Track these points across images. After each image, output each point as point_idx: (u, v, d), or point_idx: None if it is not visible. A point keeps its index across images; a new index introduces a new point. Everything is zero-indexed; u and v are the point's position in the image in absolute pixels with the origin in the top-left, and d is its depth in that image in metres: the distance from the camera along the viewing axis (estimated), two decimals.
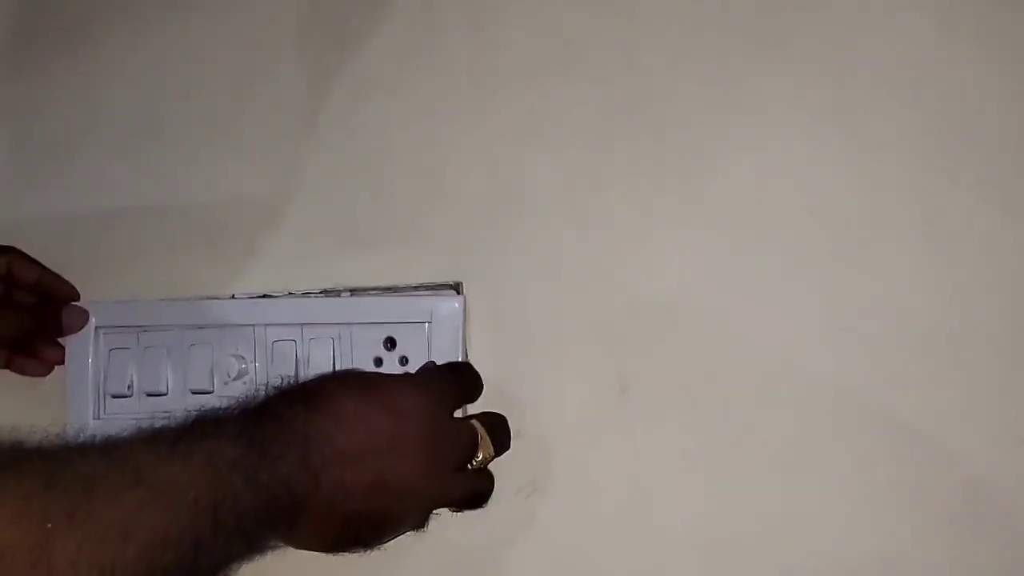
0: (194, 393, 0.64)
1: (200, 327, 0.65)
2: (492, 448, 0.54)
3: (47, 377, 0.66)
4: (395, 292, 0.64)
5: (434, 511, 0.52)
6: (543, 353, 0.62)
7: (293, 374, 0.62)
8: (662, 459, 0.60)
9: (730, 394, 0.59)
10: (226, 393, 0.64)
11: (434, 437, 0.50)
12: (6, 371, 0.65)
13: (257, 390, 0.48)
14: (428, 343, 0.62)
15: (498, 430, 0.55)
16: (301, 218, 0.66)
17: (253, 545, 0.43)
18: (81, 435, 0.42)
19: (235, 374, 0.63)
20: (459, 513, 0.55)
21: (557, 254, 0.62)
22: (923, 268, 0.58)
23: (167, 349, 0.65)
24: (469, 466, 0.53)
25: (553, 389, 0.61)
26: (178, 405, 0.64)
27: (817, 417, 0.58)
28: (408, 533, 0.51)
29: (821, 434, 0.58)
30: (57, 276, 0.65)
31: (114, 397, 0.65)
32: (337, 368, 0.63)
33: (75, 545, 0.36)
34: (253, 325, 0.64)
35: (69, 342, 0.66)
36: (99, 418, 0.66)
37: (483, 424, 0.54)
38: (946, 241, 0.58)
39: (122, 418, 0.65)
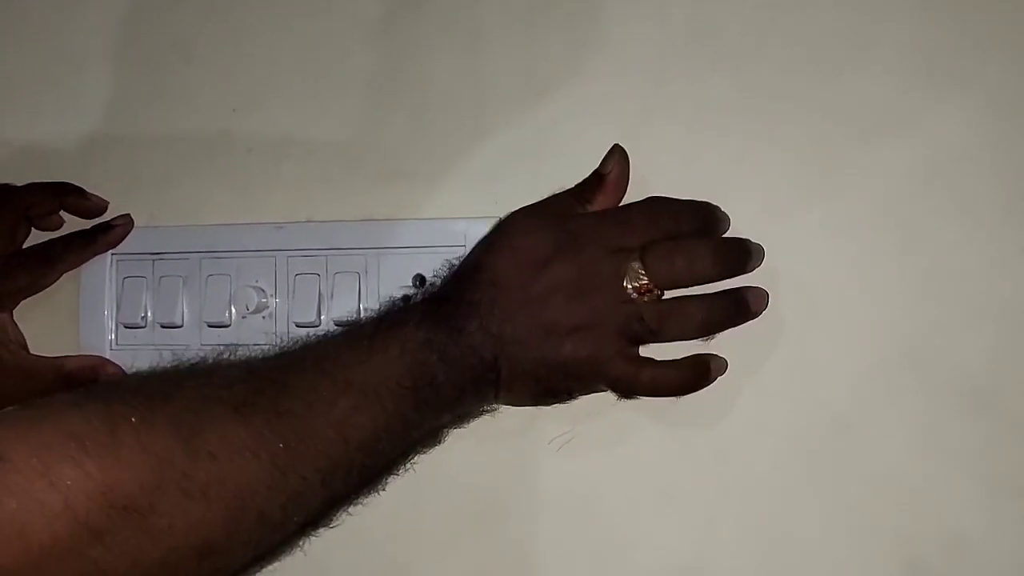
0: (210, 326, 0.61)
1: (218, 256, 0.61)
2: (647, 277, 0.50)
3: (61, 305, 0.63)
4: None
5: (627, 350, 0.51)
6: None
7: (316, 313, 0.59)
8: (711, 418, 0.55)
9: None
10: (244, 327, 0.60)
11: (582, 266, 0.50)
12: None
13: (434, 278, 0.54)
14: None
15: (659, 256, 0.50)
16: (331, 146, 0.61)
17: (457, 412, 0.51)
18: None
19: (254, 307, 0.59)
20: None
21: None
22: None
23: (183, 279, 0.61)
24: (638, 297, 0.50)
25: None
26: (193, 338, 0.61)
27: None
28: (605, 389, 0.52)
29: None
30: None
31: (127, 327, 0.62)
32: (362, 304, 0.59)
33: (303, 462, 0.43)
34: (274, 254, 0.60)
35: (84, 270, 0.63)
36: (113, 349, 0.62)
37: (644, 252, 0.50)
38: None
39: (136, 349, 0.62)
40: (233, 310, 0.60)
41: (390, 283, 0.58)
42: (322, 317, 0.59)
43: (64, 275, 0.63)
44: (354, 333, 0.49)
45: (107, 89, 0.66)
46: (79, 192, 0.63)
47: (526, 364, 0.50)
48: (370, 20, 0.62)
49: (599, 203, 0.53)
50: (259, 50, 0.63)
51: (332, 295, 0.59)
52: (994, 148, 0.53)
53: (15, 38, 0.68)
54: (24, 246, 0.63)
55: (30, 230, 0.64)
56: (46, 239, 0.63)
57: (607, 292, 0.50)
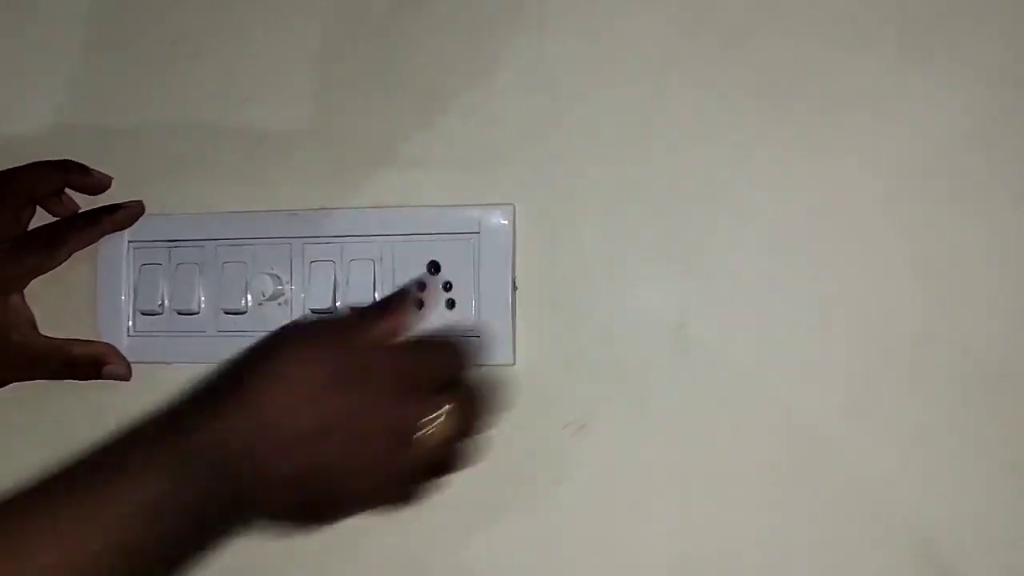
0: (227, 313, 0.61)
1: (234, 244, 0.61)
2: (429, 423, 0.46)
3: (79, 292, 0.64)
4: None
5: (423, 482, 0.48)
6: (597, 282, 0.57)
7: (331, 299, 0.59)
8: (721, 404, 0.55)
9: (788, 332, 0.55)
10: (260, 314, 0.61)
11: (362, 405, 0.46)
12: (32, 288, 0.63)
13: (183, 390, 0.45)
14: (476, 262, 0.58)
15: (464, 410, 0.47)
16: (344, 134, 0.62)
17: (201, 548, 0.43)
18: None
19: (270, 294, 0.60)
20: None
21: (617, 181, 0.57)
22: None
23: (199, 266, 0.62)
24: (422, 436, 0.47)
25: (605, 322, 0.57)
26: (209, 325, 0.61)
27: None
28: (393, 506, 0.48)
29: None
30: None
31: (144, 314, 0.62)
32: (378, 291, 0.59)
33: None
34: (290, 241, 0.60)
35: (101, 257, 0.63)
36: (131, 336, 0.63)
37: (452, 400, 0.47)
38: None
39: (153, 336, 0.62)
40: (249, 297, 0.61)
41: (405, 269, 0.59)
42: (338, 304, 0.60)
43: (78, 258, 0.62)
44: (78, 476, 0.42)
45: (120, 82, 0.66)
46: (82, 168, 0.63)
47: (288, 501, 0.45)
48: (380, 8, 0.62)
49: (378, 334, 0.48)
50: (269, 41, 0.63)
51: (348, 282, 0.59)
52: (1000, 133, 0.53)
53: (27, 32, 0.68)
54: (30, 227, 0.63)
55: (35, 211, 0.64)
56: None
57: (388, 435, 0.46)
